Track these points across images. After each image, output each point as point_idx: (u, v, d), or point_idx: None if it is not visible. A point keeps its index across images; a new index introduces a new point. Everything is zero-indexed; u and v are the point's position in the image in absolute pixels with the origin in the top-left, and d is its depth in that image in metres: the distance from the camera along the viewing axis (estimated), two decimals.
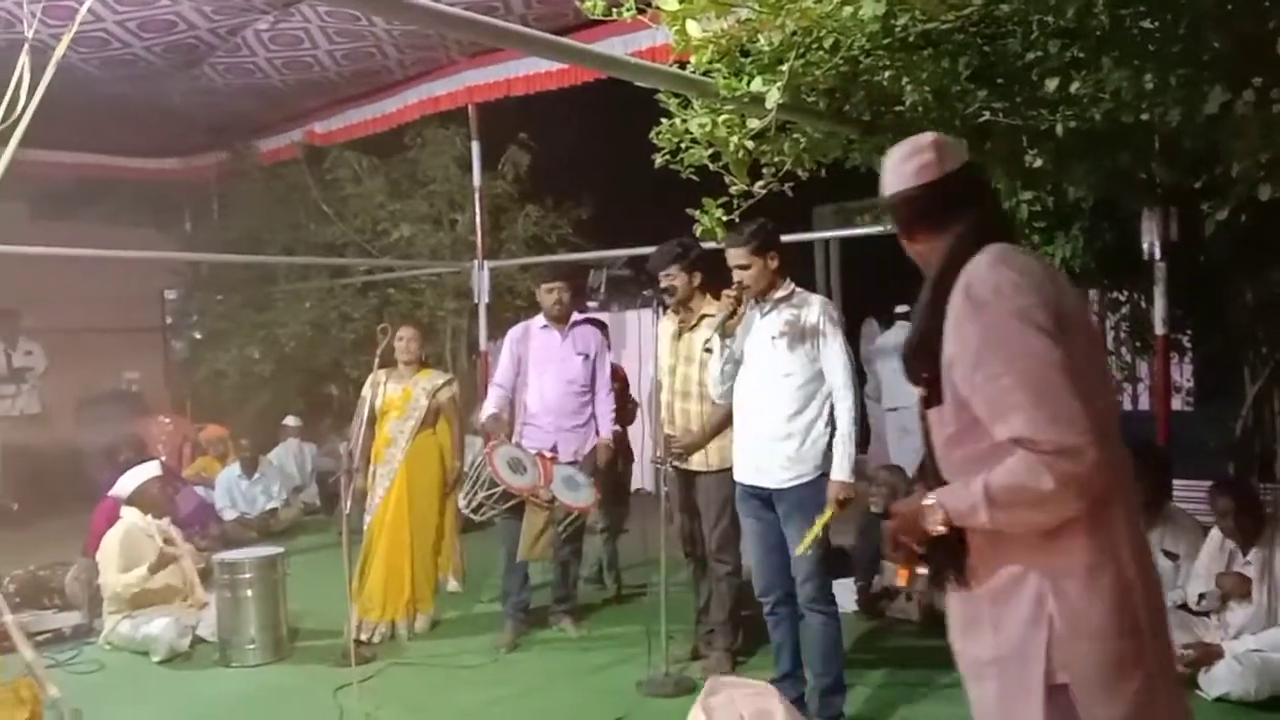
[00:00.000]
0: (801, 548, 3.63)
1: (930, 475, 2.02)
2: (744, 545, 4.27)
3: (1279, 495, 4.75)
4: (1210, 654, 3.98)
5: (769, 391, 3.81)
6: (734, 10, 3.12)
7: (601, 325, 5.54)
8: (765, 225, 3.83)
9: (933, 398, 1.94)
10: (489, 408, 5.14)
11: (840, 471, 3.70)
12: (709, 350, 4.08)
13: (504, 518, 4.91)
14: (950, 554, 1.94)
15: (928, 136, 2.09)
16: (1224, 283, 4.82)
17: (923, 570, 2.02)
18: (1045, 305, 1.80)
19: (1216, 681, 3.90)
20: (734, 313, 3.83)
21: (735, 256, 3.81)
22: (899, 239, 2.13)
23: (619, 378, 5.64)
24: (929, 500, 1.90)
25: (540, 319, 5.25)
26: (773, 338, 3.81)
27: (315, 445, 9.15)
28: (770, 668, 4.05)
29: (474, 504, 4.79)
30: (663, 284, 4.47)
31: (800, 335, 3.78)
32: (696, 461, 4.46)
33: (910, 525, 1.94)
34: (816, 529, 3.58)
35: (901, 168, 2.05)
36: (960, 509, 1.84)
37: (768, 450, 3.81)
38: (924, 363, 1.94)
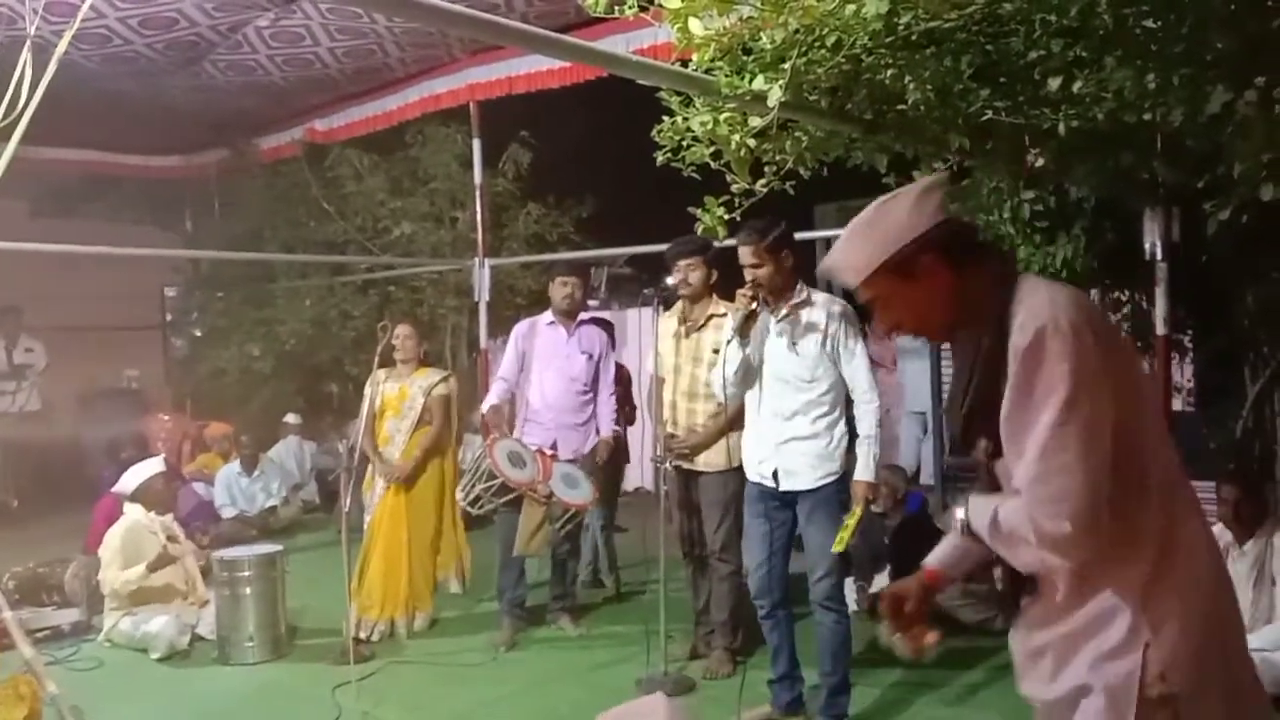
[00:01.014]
0: (839, 545, 3.65)
1: None
2: (742, 545, 4.27)
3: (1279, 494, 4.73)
4: None
5: (794, 396, 3.78)
6: (736, 8, 3.11)
7: (608, 325, 5.53)
8: (778, 222, 3.78)
9: (998, 449, 1.80)
10: (491, 400, 5.14)
11: (866, 472, 3.75)
12: (716, 352, 4.06)
13: (502, 511, 4.92)
14: (1013, 597, 1.93)
15: (923, 180, 1.94)
16: (1225, 283, 4.81)
17: (932, 639, 1.97)
18: (1098, 344, 1.70)
19: None
20: (751, 314, 3.77)
21: (747, 255, 3.76)
22: (887, 298, 1.88)
23: (622, 379, 5.62)
24: (959, 512, 1.91)
25: (548, 315, 5.24)
26: (793, 342, 3.78)
27: (315, 443, 9.15)
28: (770, 668, 4.05)
29: (471, 496, 4.80)
30: (679, 274, 4.44)
31: (821, 340, 3.76)
32: (701, 461, 4.46)
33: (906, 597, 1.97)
34: (851, 528, 3.60)
35: (922, 206, 1.83)
36: (977, 522, 1.85)
37: (794, 451, 3.79)
38: (986, 415, 1.78)
